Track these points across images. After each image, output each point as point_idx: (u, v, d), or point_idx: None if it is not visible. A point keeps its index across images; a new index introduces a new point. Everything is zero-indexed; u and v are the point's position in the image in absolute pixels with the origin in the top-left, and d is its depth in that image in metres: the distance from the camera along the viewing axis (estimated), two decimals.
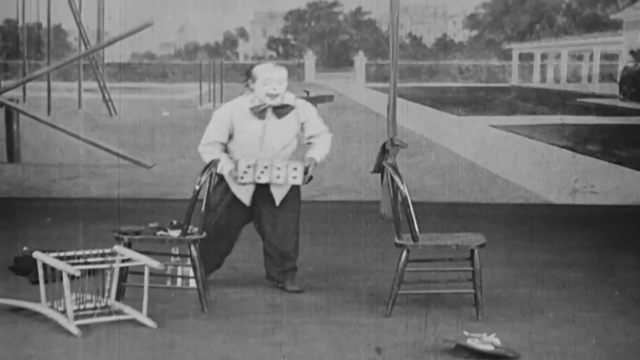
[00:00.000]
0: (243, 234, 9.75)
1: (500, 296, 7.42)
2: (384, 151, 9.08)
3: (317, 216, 10.85)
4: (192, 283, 7.17)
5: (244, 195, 7.37)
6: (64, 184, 12.10)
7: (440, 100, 12.32)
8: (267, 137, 7.27)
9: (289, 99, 7.33)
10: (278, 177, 7.26)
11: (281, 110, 7.27)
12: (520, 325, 6.66)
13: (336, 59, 12.45)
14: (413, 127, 11.93)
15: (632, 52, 12.05)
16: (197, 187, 6.86)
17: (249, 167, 7.20)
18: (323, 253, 9.02)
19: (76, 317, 6.47)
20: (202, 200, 6.97)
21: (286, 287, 7.50)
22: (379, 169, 8.24)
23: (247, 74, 7.38)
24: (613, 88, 12.16)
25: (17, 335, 6.33)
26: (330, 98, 12.23)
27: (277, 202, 7.42)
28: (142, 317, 6.58)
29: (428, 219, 8.52)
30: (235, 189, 7.35)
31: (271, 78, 7.23)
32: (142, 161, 12.08)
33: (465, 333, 6.16)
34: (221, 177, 7.31)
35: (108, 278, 6.74)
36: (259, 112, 7.24)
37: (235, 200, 7.39)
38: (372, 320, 6.75)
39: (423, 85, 12.31)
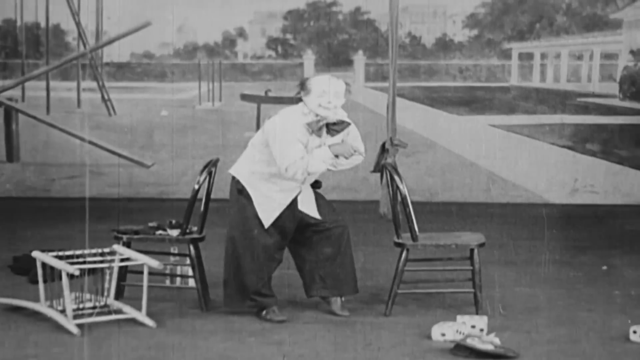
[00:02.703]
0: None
1: (499, 295, 7.41)
2: (383, 151, 9.08)
3: None
4: (191, 282, 7.17)
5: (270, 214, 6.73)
6: (63, 183, 12.10)
7: (439, 100, 12.31)
8: None
9: (342, 115, 6.76)
10: None
11: (336, 127, 6.68)
12: (520, 325, 6.65)
13: (335, 59, 12.44)
14: (412, 127, 11.92)
15: (632, 52, 12.05)
16: (196, 186, 6.85)
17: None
18: None
19: (75, 317, 6.46)
20: (201, 200, 6.96)
21: (335, 311, 6.88)
22: (379, 168, 8.24)
23: (300, 85, 6.69)
24: (613, 87, 12.15)
25: (17, 335, 6.32)
26: None
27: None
28: (142, 317, 6.57)
29: (427, 219, 8.51)
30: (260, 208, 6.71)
31: (326, 91, 6.60)
32: (141, 160, 12.08)
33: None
34: (239, 191, 6.73)
35: (107, 277, 6.73)
36: (317, 130, 6.62)
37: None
38: (371, 320, 6.74)
39: (422, 85, 12.30)
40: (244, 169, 6.76)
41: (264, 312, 6.77)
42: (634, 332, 6.27)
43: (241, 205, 6.72)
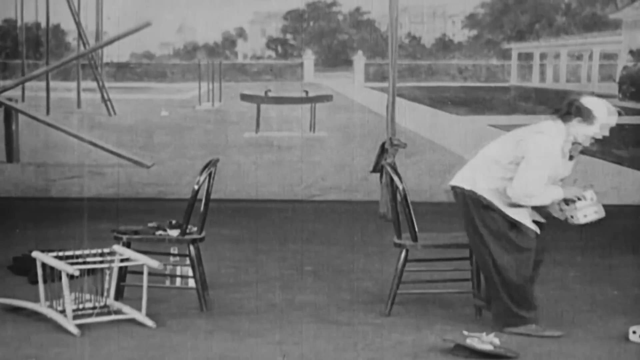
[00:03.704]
0: (244, 236, 9.79)
1: None
2: (383, 151, 9.11)
3: (317, 216, 10.86)
4: (191, 282, 7.17)
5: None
6: (63, 183, 12.10)
7: (439, 100, 12.32)
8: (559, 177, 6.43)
9: None
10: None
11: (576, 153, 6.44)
12: None
13: (335, 59, 12.45)
14: (412, 127, 11.93)
15: (631, 52, 12.06)
16: (196, 187, 6.85)
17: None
18: (323, 253, 9.02)
19: (75, 317, 6.46)
20: (201, 200, 6.96)
21: None
22: (378, 168, 8.26)
23: (574, 107, 6.24)
24: (612, 88, 12.16)
25: (17, 335, 6.32)
26: (329, 98, 12.23)
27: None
28: (141, 317, 6.58)
29: (427, 219, 8.50)
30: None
31: (610, 125, 6.27)
32: (141, 161, 12.08)
33: (465, 332, 6.15)
34: (485, 207, 6.36)
35: (107, 278, 6.73)
36: (570, 154, 6.38)
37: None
38: (371, 320, 6.75)
39: (422, 85, 12.31)
40: (482, 184, 6.39)
41: (533, 327, 6.41)
42: (634, 332, 6.28)
43: (492, 219, 6.37)
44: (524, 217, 6.38)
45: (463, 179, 6.50)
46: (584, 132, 6.28)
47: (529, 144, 6.26)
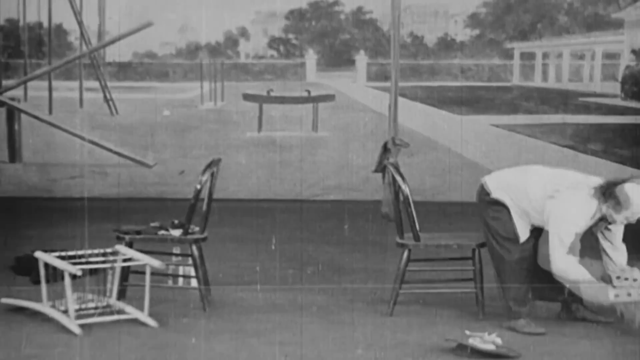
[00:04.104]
0: (246, 236, 9.78)
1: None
2: (385, 150, 9.10)
3: (318, 216, 10.85)
4: (194, 282, 7.17)
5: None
6: (65, 183, 12.10)
7: (441, 100, 12.31)
8: None
9: None
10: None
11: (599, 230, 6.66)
12: None
13: (337, 59, 12.45)
14: (414, 127, 11.93)
15: (633, 51, 12.05)
16: (199, 186, 6.85)
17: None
18: (324, 252, 9.01)
19: (78, 317, 6.47)
20: (203, 200, 6.96)
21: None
22: (381, 168, 8.26)
23: (609, 191, 6.36)
24: (615, 87, 12.15)
25: (19, 335, 6.33)
26: (331, 97, 12.23)
27: None
28: (144, 317, 6.58)
29: (429, 219, 8.51)
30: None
31: None
32: (143, 160, 12.08)
33: (467, 332, 6.15)
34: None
35: (109, 277, 6.74)
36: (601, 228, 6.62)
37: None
38: (373, 320, 6.75)
39: (424, 85, 12.30)
40: (499, 184, 6.64)
41: (521, 322, 6.58)
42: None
43: (499, 212, 6.62)
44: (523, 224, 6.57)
45: (490, 175, 6.75)
46: (612, 215, 6.40)
47: (553, 207, 6.41)
